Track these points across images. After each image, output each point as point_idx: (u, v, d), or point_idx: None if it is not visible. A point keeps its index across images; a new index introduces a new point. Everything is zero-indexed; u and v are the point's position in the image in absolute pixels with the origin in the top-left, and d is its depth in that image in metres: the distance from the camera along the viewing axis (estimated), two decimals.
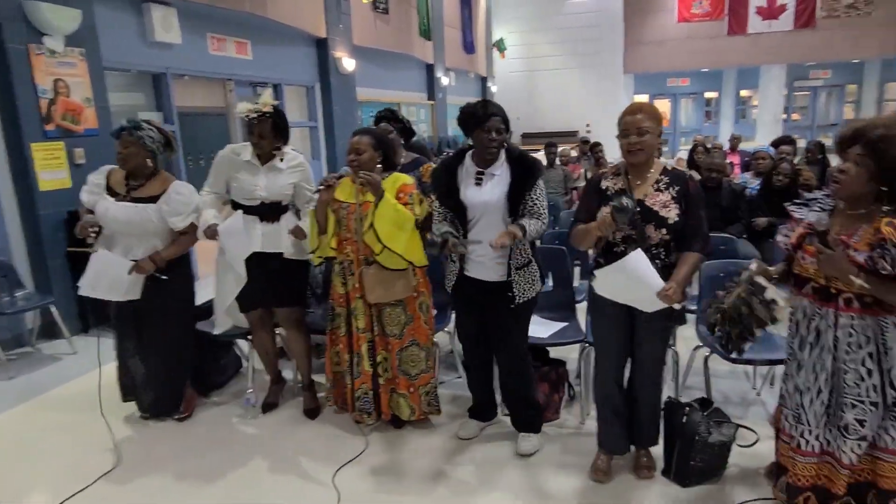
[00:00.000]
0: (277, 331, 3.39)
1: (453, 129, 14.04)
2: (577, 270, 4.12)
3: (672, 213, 2.25)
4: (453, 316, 3.10)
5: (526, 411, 2.85)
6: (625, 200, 2.12)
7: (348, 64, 9.13)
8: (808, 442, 2.04)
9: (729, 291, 2.14)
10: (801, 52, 16.90)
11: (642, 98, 20.60)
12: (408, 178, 2.87)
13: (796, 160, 5.46)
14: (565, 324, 3.31)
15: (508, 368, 2.80)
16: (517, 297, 2.61)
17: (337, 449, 2.89)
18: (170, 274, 3.02)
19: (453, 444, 2.91)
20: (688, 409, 2.45)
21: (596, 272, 2.32)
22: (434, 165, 3.66)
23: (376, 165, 2.79)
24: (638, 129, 2.22)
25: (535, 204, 2.56)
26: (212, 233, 2.93)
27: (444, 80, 14.12)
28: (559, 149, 7.55)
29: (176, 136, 6.29)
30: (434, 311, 3.36)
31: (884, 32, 15.90)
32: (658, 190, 2.28)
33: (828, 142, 6.53)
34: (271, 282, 3.06)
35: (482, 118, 2.50)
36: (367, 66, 10.34)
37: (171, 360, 3.15)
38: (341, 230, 2.85)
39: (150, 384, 3.16)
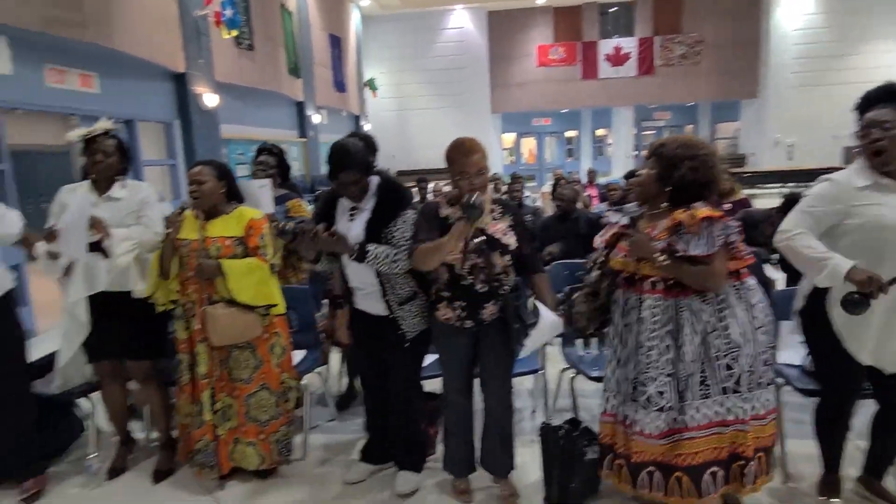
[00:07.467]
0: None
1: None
2: None
3: (511, 240, 2.37)
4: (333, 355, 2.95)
5: (408, 451, 2.76)
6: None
7: (210, 100, 8.75)
8: (607, 401, 2.31)
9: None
10: (645, 96, 18.92)
11: (510, 136, 21.79)
12: (255, 213, 2.71)
13: None
14: (436, 356, 3.26)
15: (394, 405, 2.71)
16: (408, 333, 2.55)
17: None
18: None
19: (327, 492, 2.73)
20: (562, 431, 2.49)
21: (526, 342, 2.43)
22: (302, 202, 3.57)
23: (220, 195, 2.66)
24: (479, 169, 2.29)
25: (395, 236, 2.44)
26: (53, 234, 2.52)
27: (316, 118, 13.99)
28: (431, 184, 7.69)
29: (8, 175, 5.66)
30: (302, 353, 3.20)
31: (711, 79, 18.27)
32: (495, 219, 2.38)
33: None
34: (121, 330, 2.73)
35: (334, 172, 2.44)
36: (233, 103, 9.98)
37: None
38: (183, 269, 2.64)
39: None
